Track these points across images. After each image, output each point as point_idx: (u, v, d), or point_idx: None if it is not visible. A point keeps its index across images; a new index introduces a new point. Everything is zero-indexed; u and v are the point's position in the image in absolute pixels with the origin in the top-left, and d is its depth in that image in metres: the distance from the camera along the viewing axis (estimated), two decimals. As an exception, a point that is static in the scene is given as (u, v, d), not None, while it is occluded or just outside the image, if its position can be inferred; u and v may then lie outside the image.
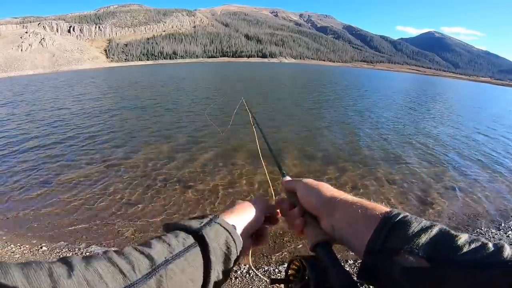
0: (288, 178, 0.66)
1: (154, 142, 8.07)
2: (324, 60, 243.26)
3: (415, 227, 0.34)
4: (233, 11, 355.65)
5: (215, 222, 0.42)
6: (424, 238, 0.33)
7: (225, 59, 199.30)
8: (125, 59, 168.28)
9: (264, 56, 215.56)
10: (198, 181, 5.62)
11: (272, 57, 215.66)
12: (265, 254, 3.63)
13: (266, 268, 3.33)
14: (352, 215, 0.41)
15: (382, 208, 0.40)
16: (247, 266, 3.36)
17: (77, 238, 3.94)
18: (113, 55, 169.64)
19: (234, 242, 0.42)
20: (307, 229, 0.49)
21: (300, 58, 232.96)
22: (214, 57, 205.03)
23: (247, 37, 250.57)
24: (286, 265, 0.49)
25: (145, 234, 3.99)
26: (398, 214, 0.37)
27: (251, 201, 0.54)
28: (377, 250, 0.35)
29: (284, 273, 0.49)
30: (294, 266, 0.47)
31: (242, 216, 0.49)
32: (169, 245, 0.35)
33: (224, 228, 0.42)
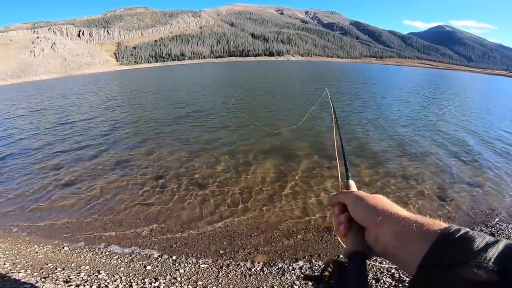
0: (351, 182, 0.68)
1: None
2: (332, 57, 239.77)
3: (479, 242, 0.33)
4: (239, 11, 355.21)
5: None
6: (491, 253, 0.32)
7: (233, 58, 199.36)
8: (135, 62, 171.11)
9: (271, 54, 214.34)
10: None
11: (280, 55, 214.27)
12: (278, 252, 3.72)
13: (280, 266, 3.42)
14: (404, 229, 0.40)
15: (440, 223, 0.39)
16: (261, 263, 3.45)
17: (96, 238, 4.14)
18: (123, 58, 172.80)
19: None
20: (349, 236, 0.50)
21: (308, 55, 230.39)
22: (222, 57, 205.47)
23: (253, 36, 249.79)
24: (323, 265, 0.45)
25: (162, 235, 4.14)
26: (459, 229, 0.36)
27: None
28: (435, 265, 0.34)
29: (319, 272, 0.51)
30: (330, 269, 0.48)
31: None
32: None
33: None
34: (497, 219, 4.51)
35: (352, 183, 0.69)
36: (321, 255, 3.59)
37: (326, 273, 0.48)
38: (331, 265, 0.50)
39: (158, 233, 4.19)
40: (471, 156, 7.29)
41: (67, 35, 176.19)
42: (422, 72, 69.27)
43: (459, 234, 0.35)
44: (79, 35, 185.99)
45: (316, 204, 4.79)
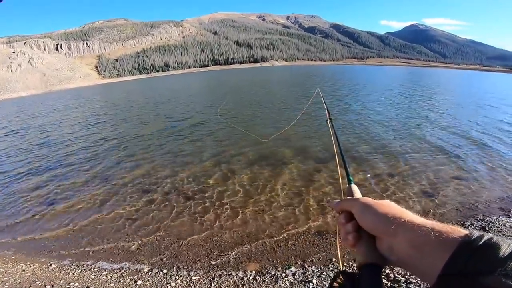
0: (354, 187, 0.65)
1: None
2: (315, 60, 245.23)
3: (505, 249, 0.32)
4: (221, 19, 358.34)
5: None
6: None
7: (218, 67, 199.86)
8: (117, 74, 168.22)
9: (256, 61, 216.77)
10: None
11: (264, 61, 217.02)
12: (270, 259, 3.74)
13: (273, 273, 3.44)
14: (421, 238, 0.39)
15: (461, 230, 0.37)
16: (253, 272, 3.46)
17: (84, 255, 4.06)
18: (105, 71, 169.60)
19: None
20: (360, 246, 0.48)
21: (292, 60, 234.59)
22: (206, 66, 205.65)
23: (237, 43, 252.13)
24: (331, 277, 0.44)
25: (151, 249, 4.08)
26: (482, 236, 0.35)
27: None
28: (457, 273, 0.33)
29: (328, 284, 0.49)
30: (339, 280, 0.46)
31: None
32: None
33: None
34: (486, 212, 4.57)
35: (355, 188, 0.65)
36: (314, 260, 3.64)
37: (336, 284, 0.47)
38: (341, 277, 0.48)
39: (148, 247, 4.13)
40: (457, 151, 7.51)
41: (45, 49, 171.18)
42: (402, 71, 71.96)
43: (482, 241, 0.34)
44: (57, 49, 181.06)
45: (306, 209, 4.87)
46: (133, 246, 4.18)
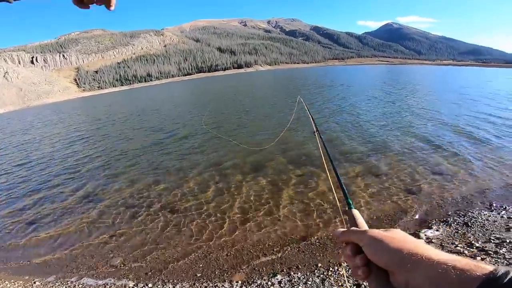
0: (355, 212, 0.61)
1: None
2: (298, 63, 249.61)
3: None
4: (202, 26, 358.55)
5: None
6: None
7: (202, 74, 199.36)
8: (98, 87, 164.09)
9: (240, 66, 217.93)
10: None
11: (248, 67, 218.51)
12: (256, 268, 3.84)
13: (259, 282, 3.55)
14: (441, 277, 0.36)
15: (485, 267, 0.34)
16: (239, 282, 3.55)
17: (68, 272, 4.03)
18: (84, 83, 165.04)
19: None
20: (372, 281, 0.46)
21: (275, 64, 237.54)
22: (190, 74, 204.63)
23: (220, 50, 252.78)
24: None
25: (136, 264, 4.09)
26: (507, 272, 0.32)
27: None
28: None
29: None
30: None
31: None
32: None
33: None
34: (468, 207, 4.59)
35: (357, 214, 0.61)
36: (300, 266, 3.75)
37: None
38: None
39: (132, 262, 4.11)
40: (437, 146, 7.71)
41: (19, 62, 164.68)
42: (382, 69, 74.30)
43: (508, 278, 0.31)
44: (32, 62, 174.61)
45: (289, 216, 4.99)
46: (118, 262, 4.16)
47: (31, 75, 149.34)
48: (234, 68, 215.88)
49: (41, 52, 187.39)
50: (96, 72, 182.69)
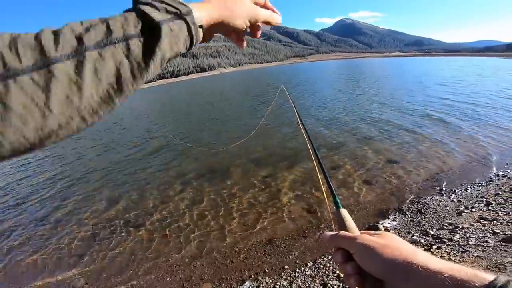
0: (343, 212, 0.57)
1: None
2: (261, 63, 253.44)
3: None
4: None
5: (183, 20, 0.36)
6: None
7: (164, 81, 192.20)
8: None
9: (203, 70, 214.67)
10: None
11: (212, 69, 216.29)
12: (223, 276, 3.72)
13: (226, 292, 3.42)
14: (437, 287, 0.35)
15: (484, 277, 0.33)
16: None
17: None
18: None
19: (190, 43, 0.38)
20: None
21: (239, 65, 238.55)
22: (152, 81, 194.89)
23: (181, 54, 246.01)
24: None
25: (99, 277, 3.71)
26: (508, 282, 0.31)
27: None
28: None
29: None
30: None
31: (223, 11, 0.42)
32: (110, 30, 0.31)
33: (190, 31, 0.37)
34: (420, 193, 4.65)
35: (345, 214, 0.57)
36: (267, 270, 3.66)
37: None
38: None
39: (94, 282, 3.86)
40: (390, 134, 7.99)
41: None
42: (340, 64, 77.35)
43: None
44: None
45: (254, 218, 4.84)
46: (79, 284, 3.83)
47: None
48: (197, 72, 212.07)
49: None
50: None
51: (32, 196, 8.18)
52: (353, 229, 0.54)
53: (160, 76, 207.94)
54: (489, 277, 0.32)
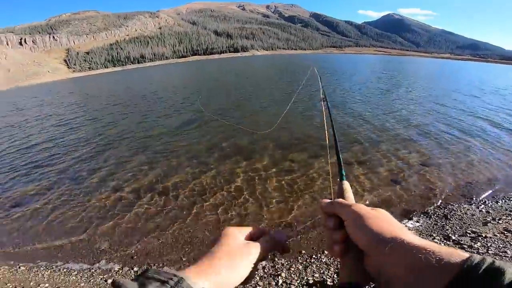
0: (345, 184, 0.58)
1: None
2: (295, 49, 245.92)
3: (510, 274, 0.28)
4: (199, 9, 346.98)
5: None
6: None
7: (197, 57, 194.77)
8: (89, 68, 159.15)
9: (236, 50, 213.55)
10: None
11: (245, 51, 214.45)
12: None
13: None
14: (420, 262, 0.35)
15: (460, 254, 0.34)
16: None
17: (52, 257, 3.90)
18: (75, 64, 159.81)
19: None
20: (345, 260, 0.44)
21: (272, 49, 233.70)
22: (185, 56, 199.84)
23: (216, 33, 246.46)
24: None
25: (121, 248, 3.93)
26: (483, 260, 0.31)
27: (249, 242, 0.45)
28: None
29: None
30: None
31: (226, 272, 0.39)
32: None
33: None
34: (449, 199, 4.47)
35: (347, 186, 0.58)
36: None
37: None
38: None
39: (117, 246, 3.99)
40: (428, 137, 7.42)
41: (8, 44, 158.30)
42: (380, 59, 71.68)
43: (485, 266, 0.30)
44: (21, 43, 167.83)
45: (280, 201, 4.74)
46: (103, 246, 3.99)
47: (19, 56, 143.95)
48: (230, 52, 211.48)
49: (29, 34, 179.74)
50: (88, 53, 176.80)
51: (74, 154, 8.30)
52: (351, 200, 0.54)
53: (194, 52, 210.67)
54: (466, 254, 0.33)
